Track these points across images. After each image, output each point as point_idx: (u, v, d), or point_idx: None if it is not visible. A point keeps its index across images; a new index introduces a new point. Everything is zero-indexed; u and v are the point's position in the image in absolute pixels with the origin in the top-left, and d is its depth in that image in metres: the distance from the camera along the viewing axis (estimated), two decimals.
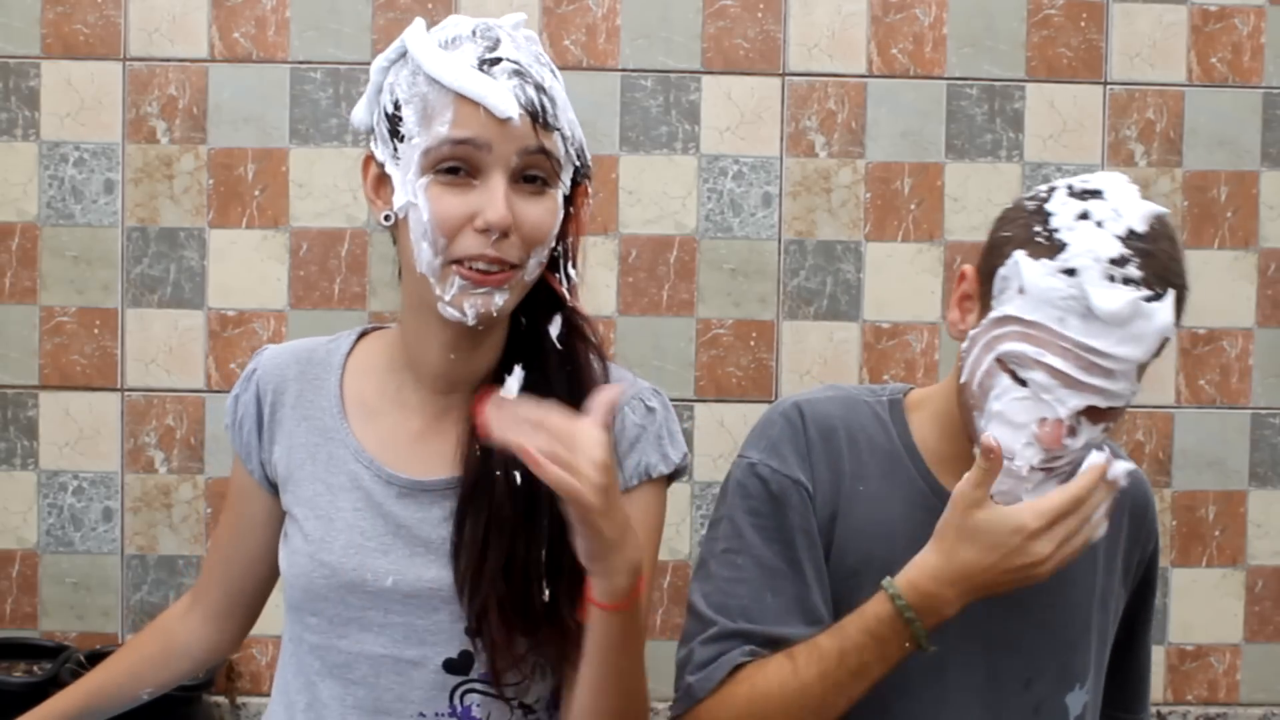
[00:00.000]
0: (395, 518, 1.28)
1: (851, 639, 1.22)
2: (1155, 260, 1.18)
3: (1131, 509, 1.41)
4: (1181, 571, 3.02)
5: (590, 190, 1.31)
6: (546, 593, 1.23)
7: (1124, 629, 1.44)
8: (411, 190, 1.21)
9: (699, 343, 2.95)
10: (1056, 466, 1.22)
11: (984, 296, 1.25)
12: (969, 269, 1.28)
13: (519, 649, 1.24)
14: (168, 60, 2.92)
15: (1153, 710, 2.94)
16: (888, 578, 1.22)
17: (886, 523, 1.32)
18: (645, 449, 1.32)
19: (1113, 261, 1.16)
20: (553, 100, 1.22)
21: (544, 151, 1.21)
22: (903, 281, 2.97)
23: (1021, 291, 1.19)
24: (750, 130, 2.96)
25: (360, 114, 1.28)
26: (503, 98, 1.18)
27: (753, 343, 2.96)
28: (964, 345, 1.26)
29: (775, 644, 1.28)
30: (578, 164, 1.27)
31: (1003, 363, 1.20)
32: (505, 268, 1.21)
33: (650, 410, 1.33)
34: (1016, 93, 2.98)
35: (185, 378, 2.94)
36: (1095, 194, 1.20)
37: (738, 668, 1.28)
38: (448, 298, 1.22)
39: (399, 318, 1.33)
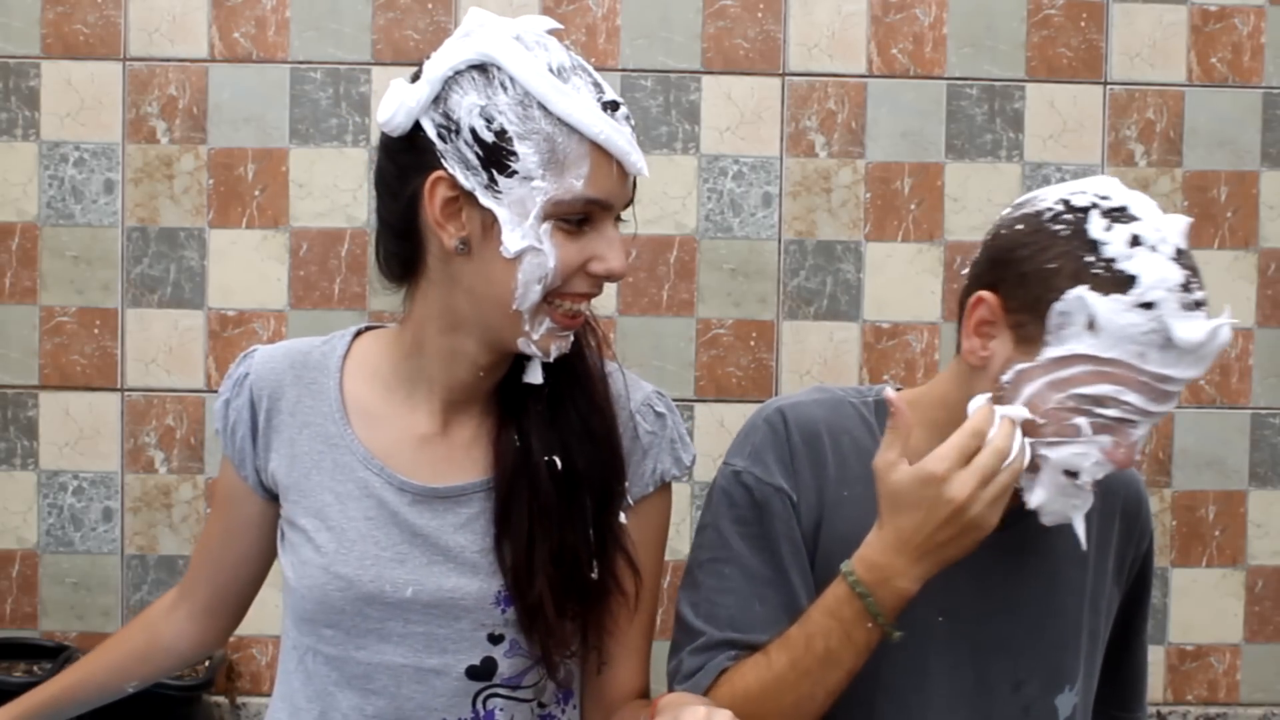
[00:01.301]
0: (410, 525, 1.26)
1: (816, 623, 1.22)
2: (1200, 275, 1.18)
3: (1124, 508, 1.41)
4: (1181, 571, 3.02)
5: None
6: (596, 569, 1.25)
7: (1119, 628, 1.43)
8: (535, 236, 1.17)
9: (699, 343, 2.95)
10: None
11: (1021, 326, 1.20)
12: (989, 297, 1.22)
13: (570, 632, 1.26)
14: (168, 60, 2.92)
15: (1153, 710, 2.96)
16: (845, 561, 1.22)
17: (870, 528, 1.31)
18: (660, 455, 1.33)
19: (1183, 288, 1.15)
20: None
21: (630, 201, 1.25)
22: (903, 281, 2.97)
23: (1092, 328, 1.16)
24: (750, 130, 2.96)
25: (402, 118, 1.21)
26: (638, 154, 1.20)
27: (753, 343, 2.96)
28: (1006, 377, 1.22)
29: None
30: None
31: (1078, 404, 1.19)
32: (583, 311, 1.24)
33: (660, 416, 1.34)
34: (1016, 93, 2.98)
35: (185, 378, 2.93)
36: (1124, 212, 1.18)
37: (722, 672, 1.28)
38: (535, 336, 1.21)
39: (412, 330, 1.30)
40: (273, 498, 1.34)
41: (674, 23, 2.94)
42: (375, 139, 2.87)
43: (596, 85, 1.19)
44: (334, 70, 2.92)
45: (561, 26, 1.27)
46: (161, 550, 2.94)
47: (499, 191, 1.17)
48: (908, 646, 1.30)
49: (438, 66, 1.20)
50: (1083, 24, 2.98)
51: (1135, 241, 1.16)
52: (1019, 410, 1.19)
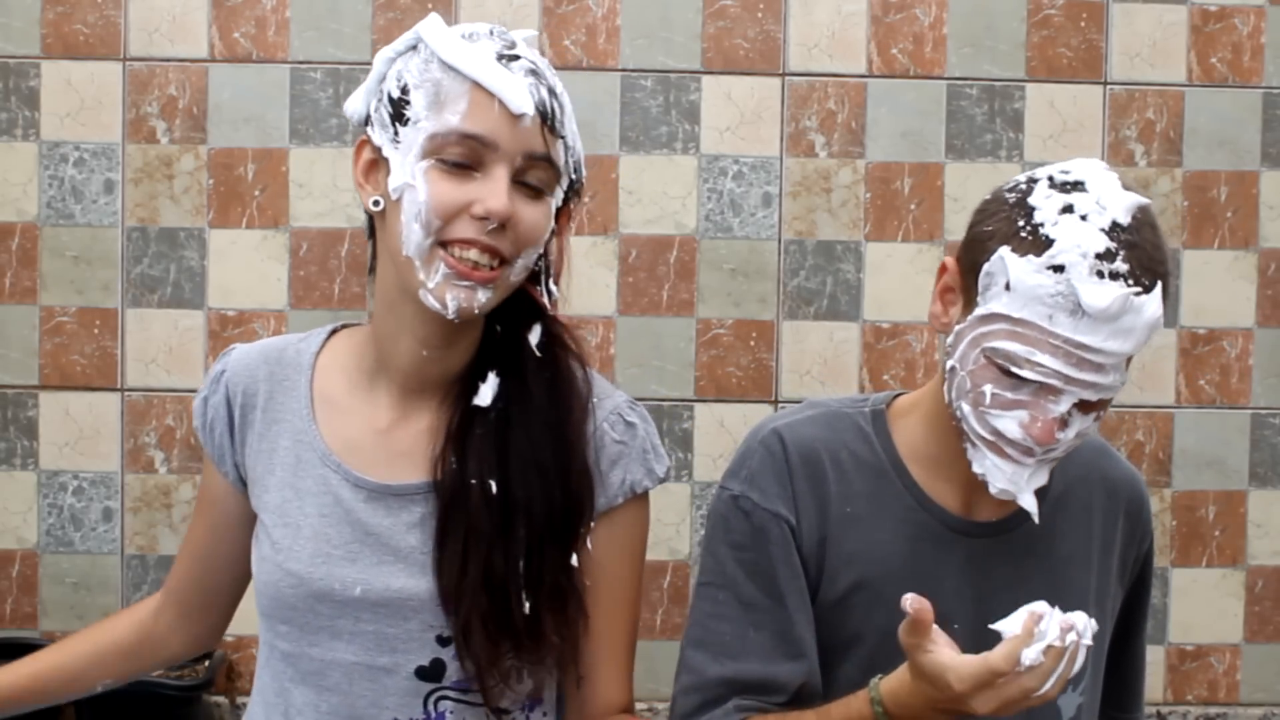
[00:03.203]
0: (363, 524, 1.26)
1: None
2: (1141, 252, 1.17)
3: (1127, 508, 1.41)
4: (1181, 571, 3.02)
5: (574, 211, 1.31)
6: (527, 605, 1.22)
7: (1119, 627, 1.43)
8: (410, 172, 1.19)
9: (699, 343, 2.95)
10: (1050, 456, 1.22)
11: (967, 290, 1.23)
12: (950, 261, 1.27)
13: (504, 659, 1.23)
14: (168, 60, 2.92)
15: (1153, 710, 2.96)
16: (876, 678, 1.21)
17: (877, 544, 1.31)
18: (630, 465, 1.30)
19: (1099, 256, 1.15)
20: (562, 107, 1.23)
21: (547, 159, 1.21)
22: (903, 281, 2.97)
23: (1008, 288, 1.18)
24: (750, 130, 2.96)
25: (356, 103, 1.27)
26: (519, 93, 1.19)
27: (753, 343, 2.96)
28: (949, 339, 1.25)
29: (758, 686, 1.28)
30: (573, 177, 1.27)
31: (992, 359, 1.19)
32: (495, 263, 1.20)
33: (630, 425, 1.31)
34: (1016, 93, 2.98)
35: (185, 378, 2.94)
36: (1078, 186, 1.19)
37: None
38: (431, 284, 1.20)
39: (372, 314, 1.31)
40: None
41: (674, 23, 2.94)
42: None
43: (509, 45, 1.22)
44: (334, 70, 2.92)
45: (535, 33, 1.29)
46: (161, 550, 2.94)
47: (399, 141, 1.21)
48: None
49: (383, 54, 1.25)
50: (1083, 24, 2.98)
51: (1067, 209, 1.17)
52: (1081, 620, 1.15)
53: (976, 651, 1.28)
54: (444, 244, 1.19)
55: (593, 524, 1.28)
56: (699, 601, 1.33)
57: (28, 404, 2.93)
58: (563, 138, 1.22)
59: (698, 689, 1.29)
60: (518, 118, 1.18)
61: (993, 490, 1.23)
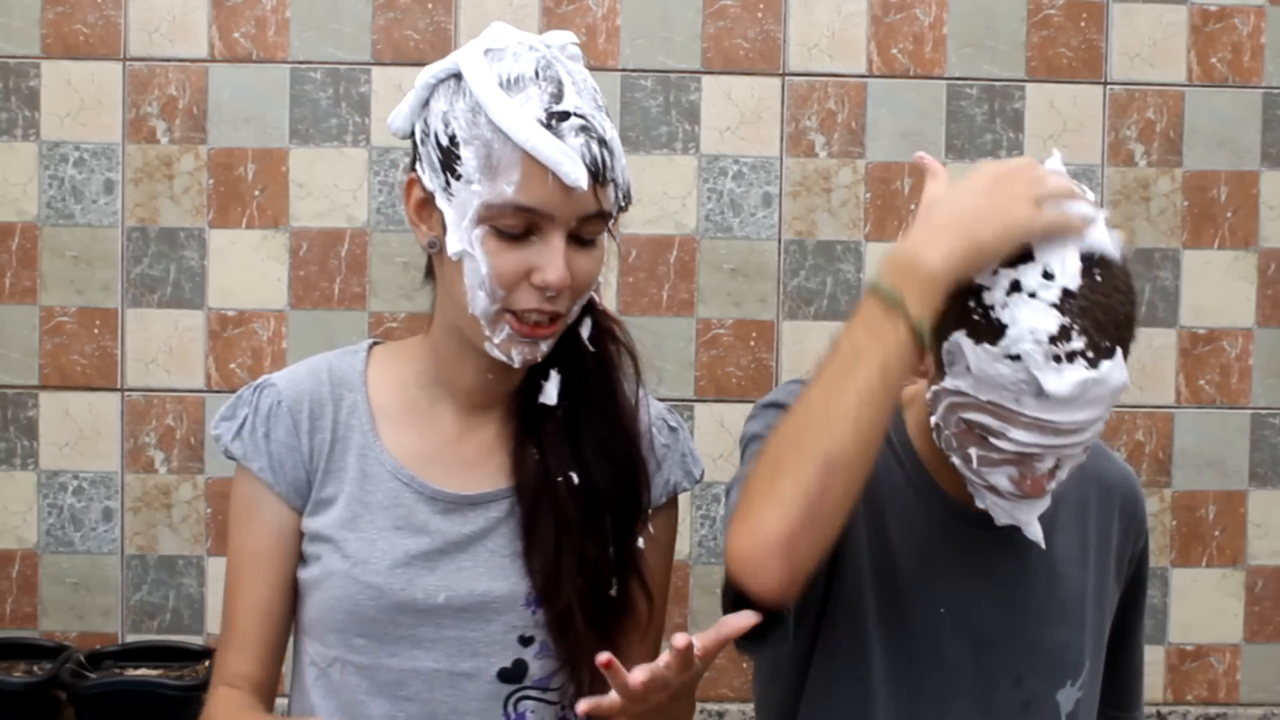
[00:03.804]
0: (440, 533, 1.27)
1: (843, 333, 1.16)
2: (1094, 318, 1.13)
3: (1122, 506, 1.41)
4: (1181, 571, 3.02)
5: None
6: (615, 587, 1.27)
7: (1116, 625, 1.44)
8: (467, 240, 1.19)
9: (699, 343, 2.96)
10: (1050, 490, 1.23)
11: (935, 351, 1.20)
12: None
13: (597, 643, 1.25)
14: (168, 60, 2.92)
15: (1153, 710, 2.96)
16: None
17: (883, 521, 1.32)
18: (672, 467, 1.36)
19: (1053, 339, 1.12)
20: (613, 153, 1.21)
21: (601, 214, 1.21)
22: None
23: (969, 371, 1.16)
24: (750, 130, 2.96)
25: (401, 121, 1.26)
26: (574, 165, 1.17)
27: (753, 343, 2.96)
28: (928, 394, 1.23)
29: None
30: (626, 198, 1.26)
31: (971, 429, 1.19)
32: (554, 318, 1.23)
33: (673, 429, 1.37)
34: (1016, 93, 2.98)
35: (185, 378, 2.94)
36: (1023, 257, 1.15)
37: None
38: (496, 341, 1.22)
39: (430, 333, 1.32)
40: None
41: (674, 23, 2.94)
42: (375, 139, 2.88)
43: (555, 96, 1.19)
44: (334, 70, 2.92)
45: (573, 37, 1.27)
46: (161, 550, 2.94)
47: (451, 194, 1.20)
48: (909, 637, 1.31)
49: (425, 74, 1.23)
50: (1083, 24, 2.98)
51: (1014, 287, 1.14)
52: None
53: (965, 636, 1.28)
54: (507, 307, 1.21)
55: (650, 509, 1.32)
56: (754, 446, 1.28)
57: (28, 404, 2.93)
58: (614, 180, 1.22)
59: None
60: (572, 188, 1.17)
61: (998, 523, 1.25)
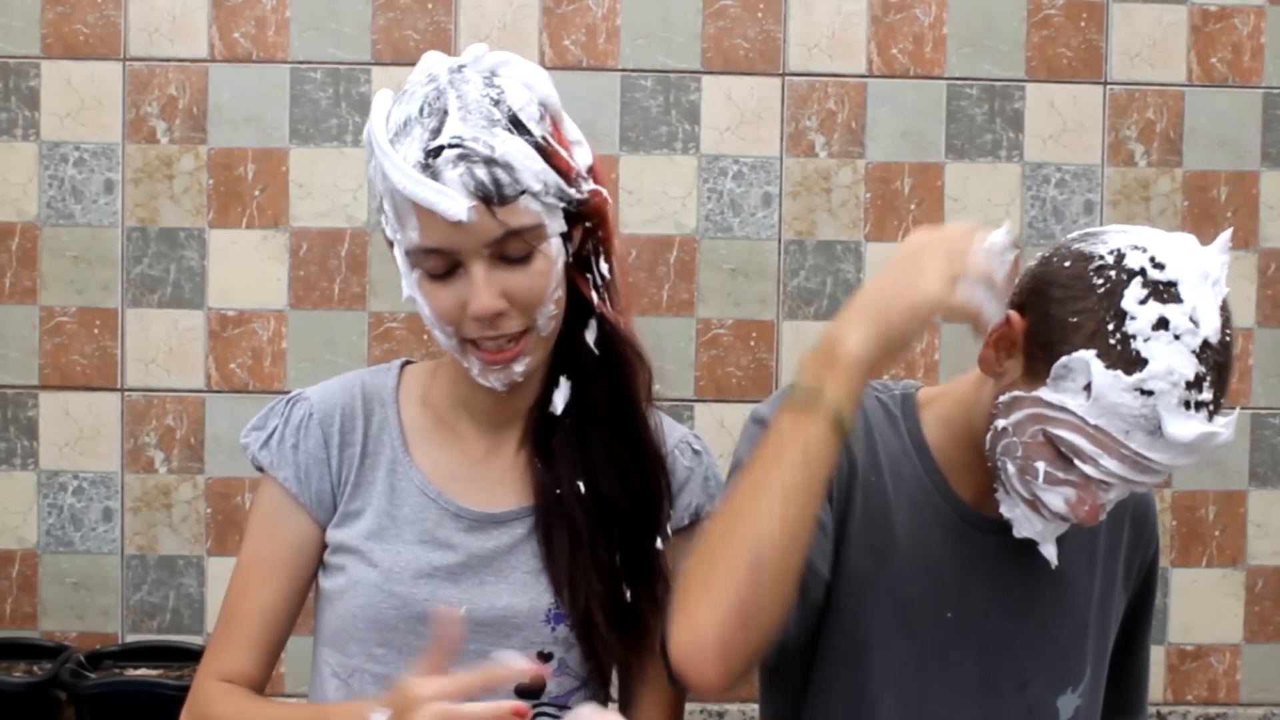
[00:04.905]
0: (464, 548, 1.29)
1: (771, 423, 1.18)
2: (1224, 375, 1.15)
3: (1134, 512, 1.41)
4: (1181, 571, 3.02)
5: (602, 207, 1.28)
6: (628, 592, 1.27)
7: (1123, 632, 1.43)
8: (410, 284, 1.24)
9: (699, 343, 2.95)
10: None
11: (1032, 359, 1.19)
12: (1016, 318, 1.21)
13: (623, 646, 1.28)
14: (168, 60, 2.92)
15: (1153, 710, 2.96)
16: None
17: (891, 521, 1.31)
18: (695, 491, 1.36)
19: (1189, 385, 1.13)
20: (508, 167, 1.17)
21: (511, 233, 1.19)
22: None
23: (1088, 392, 1.15)
24: (750, 130, 2.96)
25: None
26: (450, 202, 1.16)
27: (753, 343, 2.96)
28: (1003, 398, 1.22)
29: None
30: (571, 198, 1.23)
31: (1053, 443, 1.18)
32: (516, 337, 1.23)
33: (697, 454, 1.37)
34: (1016, 93, 2.98)
35: (185, 378, 2.93)
36: (1171, 289, 1.14)
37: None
38: (474, 371, 1.25)
39: (441, 358, 1.36)
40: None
41: (674, 23, 2.94)
42: None
43: (435, 130, 1.18)
44: (334, 70, 2.92)
45: (485, 49, 1.25)
46: (161, 550, 2.94)
47: (394, 243, 1.25)
48: (915, 641, 1.30)
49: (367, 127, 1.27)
50: (1083, 24, 2.98)
51: (1161, 324, 1.13)
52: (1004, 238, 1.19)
53: (970, 643, 1.28)
54: (466, 340, 1.23)
55: (671, 511, 1.32)
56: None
57: (28, 404, 2.93)
58: (520, 194, 1.18)
59: None
60: (459, 222, 1.17)
61: (1016, 534, 1.24)
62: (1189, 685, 3.03)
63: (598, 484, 1.29)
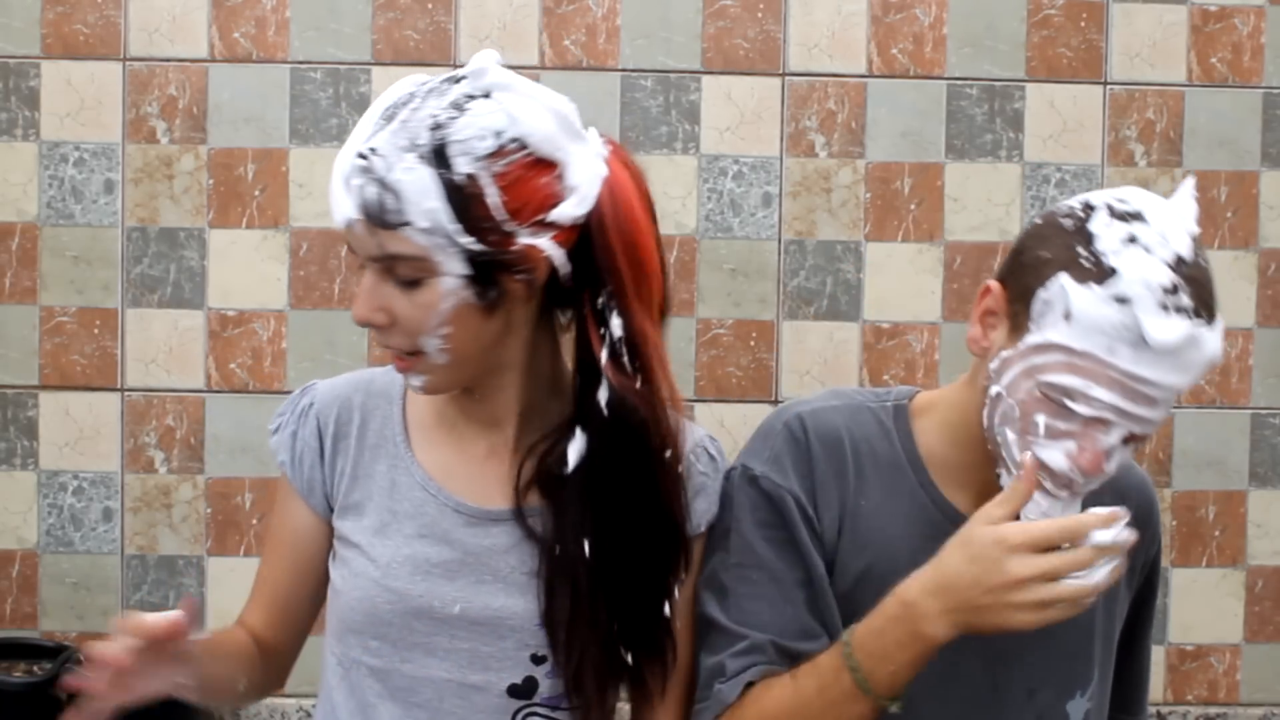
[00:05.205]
0: (462, 544, 1.28)
1: (816, 673, 1.23)
2: (1202, 287, 1.15)
3: (1136, 511, 1.40)
4: (1181, 571, 3.02)
5: (542, 248, 1.21)
6: (629, 657, 1.26)
7: (1124, 632, 1.43)
8: None
9: (699, 343, 2.95)
10: (1086, 489, 1.22)
11: (1015, 316, 1.21)
12: (994, 285, 1.23)
13: (610, 700, 1.28)
14: (168, 60, 2.92)
15: (1153, 710, 2.96)
16: (849, 628, 1.22)
17: (889, 538, 1.30)
18: (711, 496, 1.34)
19: (1166, 290, 1.13)
20: (397, 195, 1.16)
21: (390, 256, 1.18)
22: (903, 281, 2.97)
23: (1068, 318, 1.15)
24: (750, 130, 2.96)
25: None
26: (340, 203, 1.19)
27: (753, 343, 2.96)
28: (993, 364, 1.22)
29: (799, 657, 1.27)
30: (462, 245, 1.17)
31: (1048, 394, 1.18)
32: (404, 353, 1.23)
33: (713, 458, 1.36)
34: (1016, 93, 2.98)
35: (185, 378, 2.94)
36: (1137, 216, 1.17)
37: (749, 685, 1.27)
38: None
39: None
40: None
41: (674, 23, 2.94)
42: None
43: (369, 135, 1.20)
44: (334, 70, 2.92)
45: (429, 80, 1.23)
46: (161, 550, 2.94)
47: None
48: None
49: None
50: (1083, 24, 2.98)
51: (1130, 240, 1.15)
52: (1129, 533, 1.16)
53: (977, 653, 1.28)
54: None
55: (684, 576, 1.30)
56: (735, 584, 1.31)
57: (28, 404, 2.93)
58: (405, 224, 1.16)
59: (747, 652, 1.28)
60: (347, 227, 1.18)
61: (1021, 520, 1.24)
62: (1189, 685, 3.03)
63: (604, 547, 1.26)
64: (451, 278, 1.18)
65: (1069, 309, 1.15)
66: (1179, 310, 1.13)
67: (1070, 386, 1.16)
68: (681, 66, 2.95)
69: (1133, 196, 1.19)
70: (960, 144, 2.97)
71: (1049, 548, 1.14)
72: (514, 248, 1.19)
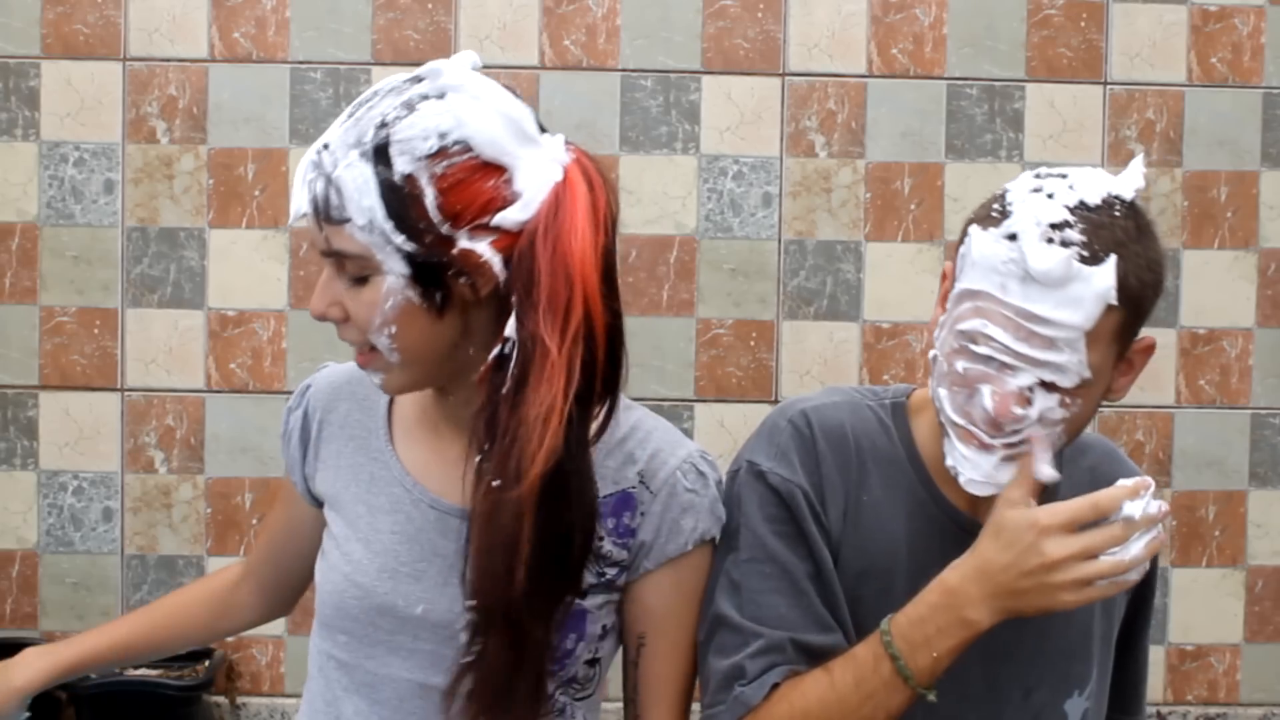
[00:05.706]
0: (432, 544, 1.28)
1: (855, 663, 1.23)
2: (1102, 230, 1.16)
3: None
4: (1181, 571, 3.02)
5: (479, 253, 1.18)
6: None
7: (1123, 631, 1.43)
8: None
9: (699, 343, 2.95)
10: (1017, 444, 1.21)
11: (950, 283, 1.25)
12: (949, 265, 1.27)
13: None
14: (168, 60, 2.92)
15: (1153, 710, 2.96)
16: (886, 618, 1.22)
17: (889, 535, 1.31)
18: (701, 514, 1.30)
19: (1053, 226, 1.15)
20: (339, 191, 1.16)
21: (335, 252, 1.18)
22: (903, 281, 2.97)
23: (972, 264, 1.19)
24: (750, 130, 2.96)
25: None
26: (296, 196, 1.20)
27: (753, 343, 2.96)
28: (936, 335, 1.26)
29: (816, 651, 1.28)
30: (397, 245, 1.16)
31: (961, 342, 1.20)
32: (362, 350, 1.24)
33: (702, 475, 1.31)
34: (1016, 93, 2.98)
35: (185, 378, 2.94)
36: (1061, 177, 1.20)
37: (774, 687, 1.27)
38: None
39: None
40: (319, 505, 1.37)
41: (674, 23, 2.94)
42: None
43: (333, 130, 1.19)
44: (334, 70, 2.92)
45: (442, 70, 1.21)
46: (161, 550, 2.94)
47: None
48: None
49: None
50: (1083, 24, 2.98)
51: (1036, 190, 1.18)
52: (1159, 503, 1.16)
53: (974, 650, 1.28)
54: None
55: (655, 569, 1.29)
56: (748, 579, 1.31)
57: (28, 404, 2.93)
58: (346, 220, 1.16)
59: (765, 652, 1.28)
60: (300, 220, 1.19)
61: (962, 482, 1.23)
62: (1189, 685, 3.03)
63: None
64: (394, 277, 1.18)
65: (970, 254, 1.19)
66: (1065, 244, 1.15)
67: (973, 330, 1.18)
68: (681, 66, 2.95)
69: (1072, 168, 1.22)
70: (960, 144, 2.97)
71: (1082, 526, 1.15)
72: (453, 251, 1.17)
